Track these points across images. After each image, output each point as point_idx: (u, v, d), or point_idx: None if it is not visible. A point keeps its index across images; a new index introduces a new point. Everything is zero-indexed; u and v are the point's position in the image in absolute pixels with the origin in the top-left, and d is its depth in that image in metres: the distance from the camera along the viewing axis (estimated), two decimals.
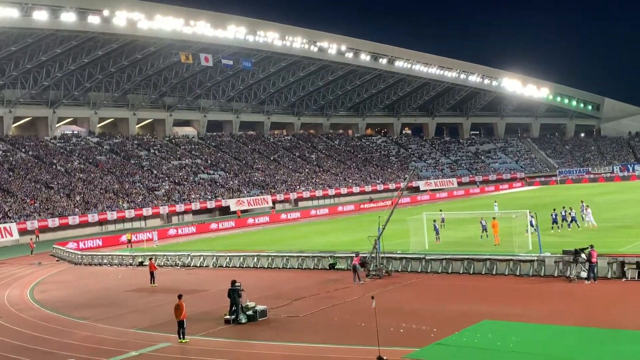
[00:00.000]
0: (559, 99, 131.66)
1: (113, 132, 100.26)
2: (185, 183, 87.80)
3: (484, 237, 39.69)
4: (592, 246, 26.46)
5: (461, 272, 30.33)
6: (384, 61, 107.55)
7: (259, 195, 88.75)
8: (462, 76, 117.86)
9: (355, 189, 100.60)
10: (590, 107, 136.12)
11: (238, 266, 38.89)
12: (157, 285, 34.34)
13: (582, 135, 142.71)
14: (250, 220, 72.76)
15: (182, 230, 65.68)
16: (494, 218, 39.35)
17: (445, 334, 19.73)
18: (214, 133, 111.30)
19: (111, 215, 73.22)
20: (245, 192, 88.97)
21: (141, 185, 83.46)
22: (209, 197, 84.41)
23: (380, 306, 20.67)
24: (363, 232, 42.25)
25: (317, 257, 36.13)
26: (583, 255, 26.56)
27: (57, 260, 51.56)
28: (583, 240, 31.89)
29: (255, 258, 38.61)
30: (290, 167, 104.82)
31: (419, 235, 38.57)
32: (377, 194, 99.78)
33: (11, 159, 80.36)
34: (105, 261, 47.03)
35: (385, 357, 17.57)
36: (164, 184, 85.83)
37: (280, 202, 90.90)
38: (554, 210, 42.59)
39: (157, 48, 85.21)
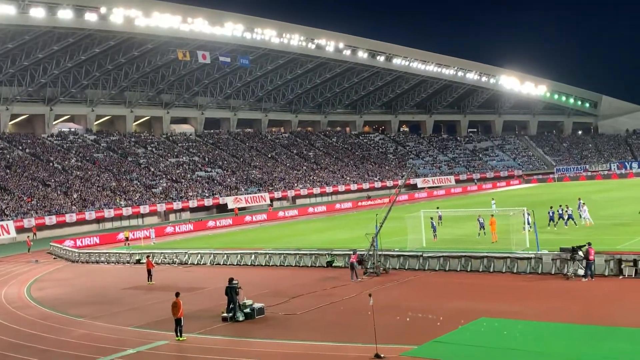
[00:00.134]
0: (556, 96, 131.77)
1: (110, 129, 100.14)
2: (183, 180, 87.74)
3: (482, 234, 39.72)
4: (589, 244, 26.48)
5: (458, 269, 30.35)
6: (381, 59, 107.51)
7: (256, 192, 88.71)
8: (460, 74, 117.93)
9: (353, 187, 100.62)
10: (587, 105, 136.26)
11: (235, 264, 38.88)
12: (154, 283, 34.32)
13: (580, 132, 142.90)
14: (248, 218, 72.77)
15: (179, 228, 65.67)
16: (492, 215, 39.36)
17: (442, 331, 19.73)
18: (212, 130, 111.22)
19: (108, 212, 73.14)
20: (242, 189, 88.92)
21: (138, 183, 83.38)
22: (207, 194, 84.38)
23: (377, 304, 20.67)
24: (361, 229, 42.31)
25: (315, 254, 36.11)
26: (580, 253, 26.58)
27: (54, 258, 51.51)
28: (580, 238, 31.96)
29: (253, 256, 38.60)
30: (287, 164, 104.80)
31: (417, 232, 38.59)
32: (374, 191, 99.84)
33: (8, 156, 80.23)
34: (102, 259, 47.01)
35: (382, 355, 17.57)
36: (161, 181, 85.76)
37: (278, 199, 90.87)
38: (551, 208, 42.66)
39: (154, 45, 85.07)
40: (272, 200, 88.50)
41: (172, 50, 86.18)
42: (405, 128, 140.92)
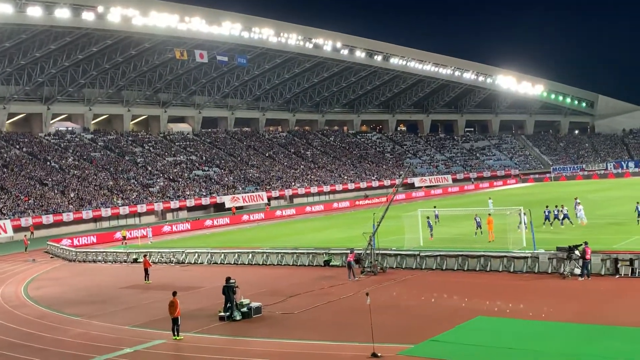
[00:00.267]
0: (553, 96, 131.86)
1: (107, 128, 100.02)
2: (180, 180, 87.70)
3: (478, 233, 39.80)
4: (586, 243, 26.54)
5: (455, 268, 30.40)
6: (379, 58, 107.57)
7: (253, 191, 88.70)
8: (457, 73, 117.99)
9: (350, 186, 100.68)
10: (584, 105, 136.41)
11: (232, 263, 38.90)
12: (151, 282, 34.30)
13: (576, 132, 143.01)
14: (245, 217, 72.77)
15: (176, 227, 65.66)
16: (489, 215, 39.41)
17: (439, 330, 19.77)
18: (209, 129, 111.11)
19: (105, 212, 73.09)
20: (240, 188, 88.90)
21: (135, 182, 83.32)
22: (204, 193, 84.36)
23: (374, 303, 20.70)
24: (358, 228, 42.37)
25: (312, 253, 36.13)
26: (577, 252, 26.64)
27: (51, 257, 51.46)
28: (577, 237, 32.03)
29: (250, 255, 38.61)
30: (285, 163, 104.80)
31: (414, 232, 38.64)
32: (372, 190, 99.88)
33: (5, 155, 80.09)
34: (99, 258, 46.98)
35: (379, 354, 17.60)
36: (158, 180, 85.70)
37: (275, 198, 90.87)
38: (547, 207, 42.75)
39: (151, 44, 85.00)
40: (269, 199, 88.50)
41: (170, 49, 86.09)
42: (402, 127, 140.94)
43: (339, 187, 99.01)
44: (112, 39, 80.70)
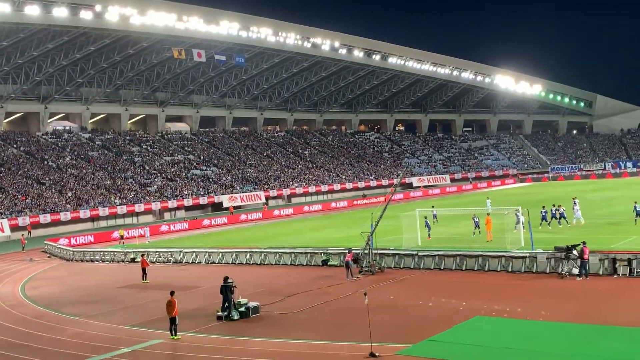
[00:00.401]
0: (551, 95, 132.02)
1: (105, 127, 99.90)
2: (178, 179, 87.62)
3: (477, 233, 39.79)
4: (584, 243, 26.53)
5: (453, 268, 30.38)
6: (377, 57, 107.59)
7: (251, 191, 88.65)
8: (455, 73, 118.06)
9: (349, 185, 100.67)
10: (582, 104, 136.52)
11: (230, 262, 38.85)
12: (149, 282, 34.25)
13: (575, 132, 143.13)
14: (243, 217, 72.71)
15: (174, 227, 65.60)
16: (488, 214, 39.40)
17: (437, 330, 19.75)
18: (207, 129, 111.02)
19: (103, 211, 72.99)
20: (238, 188, 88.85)
21: (133, 181, 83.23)
22: (202, 193, 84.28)
23: (372, 303, 20.68)
24: (356, 228, 42.33)
25: (310, 253, 36.10)
26: (575, 252, 26.65)
27: (48, 257, 51.38)
28: (575, 237, 32.03)
29: (248, 254, 38.57)
30: (283, 163, 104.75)
31: (412, 231, 38.63)
32: (370, 190, 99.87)
33: (2, 154, 79.95)
34: (97, 257, 46.90)
35: (377, 354, 17.58)
36: (156, 180, 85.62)
37: (273, 198, 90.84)
38: (543, 207, 42.78)
39: (149, 43, 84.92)
40: (267, 198, 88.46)
41: (168, 48, 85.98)
42: (400, 127, 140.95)
43: (337, 186, 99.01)
44: (109, 38, 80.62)
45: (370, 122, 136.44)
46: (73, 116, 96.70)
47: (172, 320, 21.65)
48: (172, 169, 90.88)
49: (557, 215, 41.96)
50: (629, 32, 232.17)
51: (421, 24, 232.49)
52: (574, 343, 17.77)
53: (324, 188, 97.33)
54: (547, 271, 27.82)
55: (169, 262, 41.81)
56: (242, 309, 23.88)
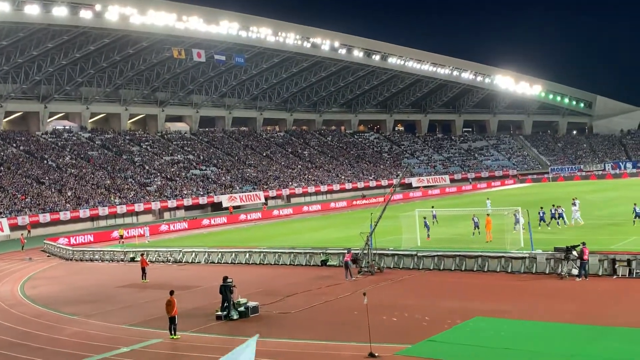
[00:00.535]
0: (551, 96, 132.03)
1: (105, 127, 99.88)
2: (178, 179, 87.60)
3: (476, 234, 39.78)
4: (584, 243, 26.52)
5: (453, 269, 30.37)
6: (377, 58, 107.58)
7: (251, 191, 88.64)
8: (455, 73, 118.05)
9: (348, 186, 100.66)
10: (582, 105, 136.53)
11: (230, 262, 38.84)
12: (148, 281, 34.24)
13: (574, 132, 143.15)
14: (242, 217, 72.69)
15: (174, 226, 65.59)
16: (487, 215, 39.39)
17: (436, 330, 19.74)
18: (207, 129, 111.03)
19: (103, 210, 72.98)
20: (237, 188, 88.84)
21: (133, 181, 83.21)
22: (201, 193, 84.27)
23: (372, 303, 20.67)
24: (355, 228, 42.30)
25: (309, 253, 36.09)
26: (574, 253, 26.63)
27: (48, 256, 51.37)
28: (575, 238, 32.03)
29: (247, 254, 38.56)
30: (282, 163, 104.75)
31: (411, 232, 38.62)
32: (369, 190, 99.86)
33: (2, 154, 79.93)
34: (96, 257, 46.91)
35: (377, 354, 17.57)
36: (156, 179, 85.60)
37: (273, 198, 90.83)
38: (541, 208, 42.79)
39: (149, 43, 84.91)
40: (266, 198, 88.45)
41: (167, 48, 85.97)
42: (400, 127, 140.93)
43: (336, 187, 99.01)
44: (109, 38, 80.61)
45: (369, 123, 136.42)
46: (73, 116, 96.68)
47: (172, 320, 21.64)
48: (172, 169, 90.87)
49: (556, 216, 41.98)
50: (629, 33, 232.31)
51: (421, 24, 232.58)
52: (574, 344, 17.75)
53: (323, 188, 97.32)
54: (547, 272, 27.81)
55: (169, 262, 41.80)
56: (242, 308, 23.88)
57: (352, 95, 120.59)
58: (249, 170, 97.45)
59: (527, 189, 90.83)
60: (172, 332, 21.61)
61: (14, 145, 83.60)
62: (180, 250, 42.45)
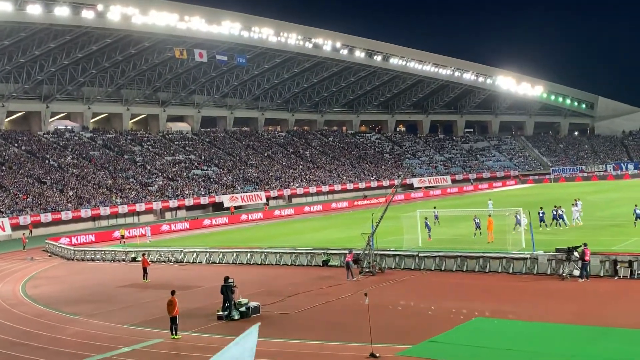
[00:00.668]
0: (553, 97, 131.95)
1: (106, 127, 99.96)
2: (179, 179, 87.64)
3: (477, 234, 39.76)
4: (585, 244, 26.49)
5: (454, 269, 30.35)
6: (378, 58, 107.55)
7: (252, 191, 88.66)
8: (457, 74, 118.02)
9: (349, 186, 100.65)
10: (584, 106, 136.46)
11: (231, 262, 38.84)
12: (149, 281, 34.25)
13: (576, 133, 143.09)
14: (244, 217, 72.71)
15: (175, 226, 65.61)
16: (489, 216, 39.37)
17: (438, 331, 19.73)
18: (208, 129, 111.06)
19: (104, 210, 73.02)
20: (238, 188, 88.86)
21: (134, 181, 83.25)
22: (203, 193, 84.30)
23: (373, 303, 20.66)
24: (356, 229, 42.28)
25: (311, 253, 36.09)
26: (576, 254, 26.60)
27: (49, 256, 51.38)
28: (576, 239, 31.99)
29: (249, 254, 38.56)
30: (284, 163, 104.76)
31: (413, 232, 38.60)
32: (371, 190, 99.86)
33: (4, 153, 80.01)
34: (98, 257, 46.93)
35: (378, 354, 17.56)
36: (157, 179, 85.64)
37: (274, 198, 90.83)
38: (541, 208, 42.77)
39: (151, 43, 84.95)
40: (268, 199, 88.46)
41: (169, 48, 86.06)
42: (401, 128, 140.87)
43: (337, 187, 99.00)
44: (111, 38, 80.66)
45: (371, 123, 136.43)
46: (74, 115, 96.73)
47: (173, 320, 21.64)
48: (173, 169, 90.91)
49: (557, 217, 41.95)
50: (631, 33, 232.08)
51: (422, 24, 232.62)
52: (575, 344, 17.74)
53: (325, 188, 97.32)
54: (548, 273, 27.79)
55: (170, 262, 41.81)
56: (243, 308, 23.88)
57: (354, 96, 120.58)
58: (250, 170, 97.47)
59: (529, 190, 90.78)
60: (173, 332, 21.60)
61: (16, 145, 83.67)
62: (181, 250, 42.47)
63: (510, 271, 28.81)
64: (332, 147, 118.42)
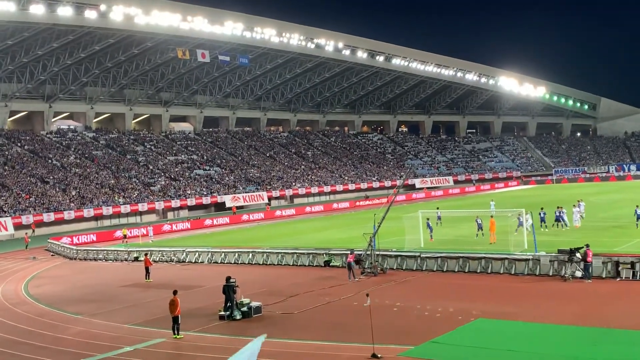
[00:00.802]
0: (555, 98, 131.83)
1: (109, 127, 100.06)
2: (181, 179, 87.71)
3: (480, 235, 39.73)
4: (587, 245, 26.50)
5: (456, 270, 30.34)
6: (380, 59, 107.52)
7: (254, 191, 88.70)
8: (459, 74, 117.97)
9: (351, 186, 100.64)
10: (586, 107, 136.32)
11: (233, 262, 38.87)
12: (152, 281, 34.28)
13: (578, 134, 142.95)
14: (246, 217, 72.75)
15: (177, 226, 65.66)
16: (491, 217, 39.34)
17: (440, 332, 19.74)
18: (210, 129, 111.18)
19: (107, 210, 73.11)
20: (240, 188, 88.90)
21: (137, 181, 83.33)
22: (205, 193, 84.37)
23: (375, 304, 20.67)
24: (358, 229, 42.31)
25: (312, 254, 36.10)
26: (578, 255, 26.59)
27: (52, 255, 51.45)
28: (578, 240, 31.97)
29: (250, 254, 38.59)
30: (286, 163, 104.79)
31: (415, 233, 38.59)
32: (372, 191, 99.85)
33: (7, 153, 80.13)
34: (100, 256, 46.98)
35: (379, 355, 17.57)
36: (159, 179, 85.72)
37: (276, 198, 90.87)
38: (542, 209, 42.73)
39: (153, 43, 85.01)
40: (270, 199, 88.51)
41: (172, 48, 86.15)
42: (403, 128, 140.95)
43: (339, 187, 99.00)
44: (114, 38, 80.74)
45: (373, 123, 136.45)
46: (77, 115, 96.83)
47: (175, 320, 21.68)
48: (176, 169, 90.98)
49: (559, 218, 41.90)
50: (634, 35, 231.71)
51: (424, 24, 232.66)
52: (577, 345, 17.74)
53: (327, 189, 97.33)
54: (550, 274, 27.77)
55: (172, 262, 41.85)
56: (245, 308, 23.90)
57: (356, 96, 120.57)
58: (252, 170, 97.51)
59: (531, 191, 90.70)
60: (175, 332, 21.64)
61: (19, 144, 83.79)
62: (183, 250, 42.52)
63: (513, 272, 28.80)
64: (334, 148, 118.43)
